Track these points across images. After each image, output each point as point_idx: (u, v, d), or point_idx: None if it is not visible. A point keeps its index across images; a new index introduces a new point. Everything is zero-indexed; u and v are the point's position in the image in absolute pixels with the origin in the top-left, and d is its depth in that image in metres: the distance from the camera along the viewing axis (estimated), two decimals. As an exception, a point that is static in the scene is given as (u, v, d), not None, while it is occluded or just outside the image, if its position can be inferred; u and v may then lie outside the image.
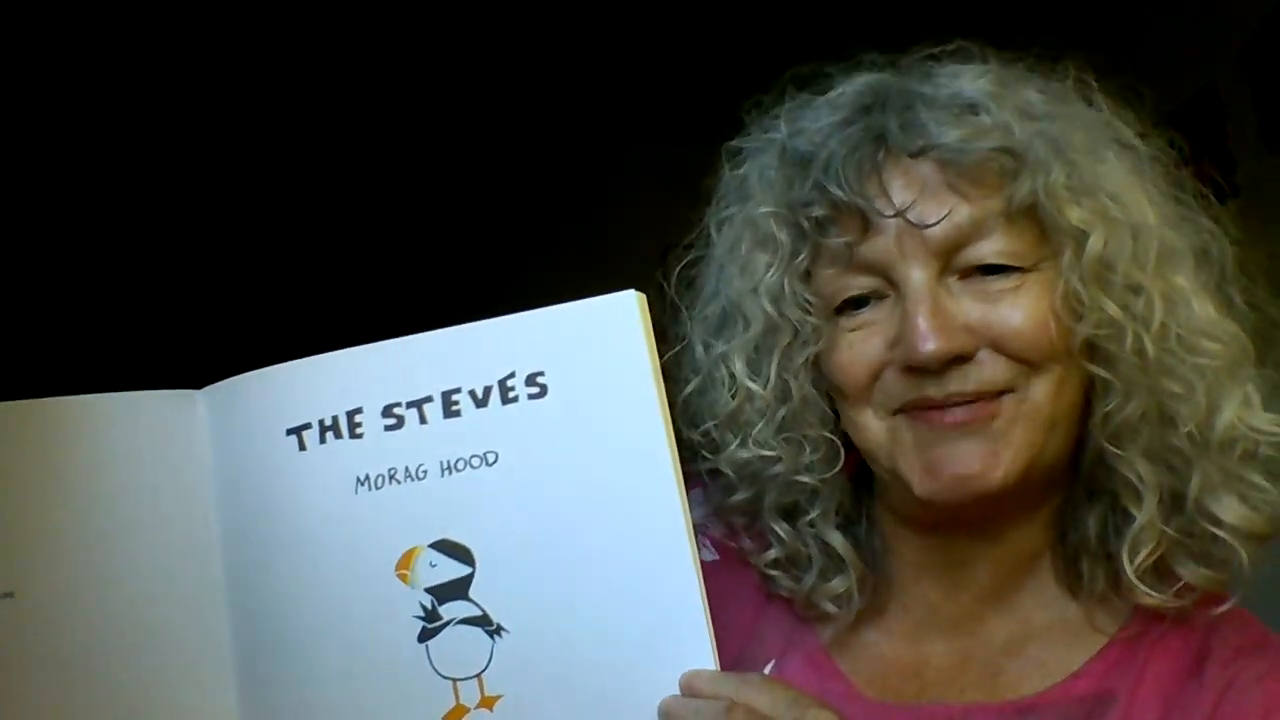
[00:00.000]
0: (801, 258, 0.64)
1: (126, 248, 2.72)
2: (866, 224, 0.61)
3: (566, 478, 0.57)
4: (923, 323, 0.58)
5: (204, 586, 0.57)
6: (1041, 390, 0.60)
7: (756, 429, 0.64)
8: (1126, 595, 0.62)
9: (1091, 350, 0.60)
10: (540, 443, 0.57)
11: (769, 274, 0.64)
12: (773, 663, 0.67)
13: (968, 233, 0.59)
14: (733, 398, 0.65)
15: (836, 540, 0.66)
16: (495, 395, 0.57)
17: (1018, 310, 0.59)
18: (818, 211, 0.62)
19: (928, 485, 0.60)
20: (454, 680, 0.56)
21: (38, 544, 0.56)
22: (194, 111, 2.65)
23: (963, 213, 0.59)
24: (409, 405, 0.57)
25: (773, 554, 0.67)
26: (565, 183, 3.27)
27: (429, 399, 0.57)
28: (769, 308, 0.64)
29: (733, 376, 0.65)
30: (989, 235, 0.59)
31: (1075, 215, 0.58)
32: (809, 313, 0.63)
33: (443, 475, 0.56)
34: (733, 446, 0.65)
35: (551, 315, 0.58)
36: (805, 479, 0.65)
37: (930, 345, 0.58)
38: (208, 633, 0.57)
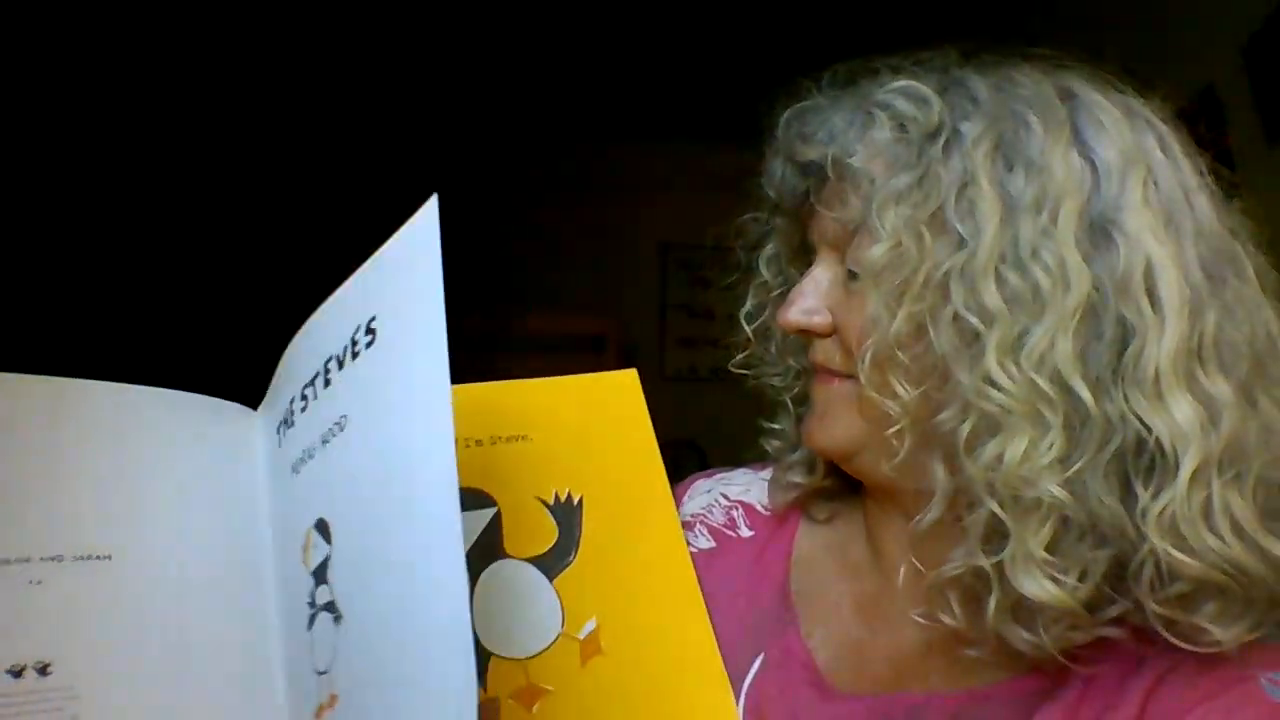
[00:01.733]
0: (793, 236, 0.74)
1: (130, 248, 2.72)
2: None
3: (401, 434, 0.49)
4: (793, 294, 0.68)
5: (252, 588, 0.57)
6: (872, 392, 0.62)
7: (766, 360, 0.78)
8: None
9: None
10: (372, 395, 0.51)
11: (774, 243, 0.76)
12: (761, 657, 0.70)
13: (842, 237, 0.66)
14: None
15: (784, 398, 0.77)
16: (348, 353, 0.53)
17: (858, 309, 0.64)
18: (788, 203, 0.72)
19: (805, 435, 0.70)
20: (319, 673, 0.52)
21: (132, 510, 0.56)
22: (195, 112, 2.65)
23: (832, 220, 0.66)
24: (307, 385, 0.56)
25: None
26: (565, 181, 3.27)
27: (317, 375, 0.55)
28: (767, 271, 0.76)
29: (749, 317, 0.78)
30: (858, 242, 0.64)
31: (866, 247, 0.62)
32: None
33: (323, 446, 0.53)
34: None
35: (384, 259, 0.53)
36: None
37: (786, 314, 0.67)
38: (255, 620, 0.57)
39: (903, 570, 0.66)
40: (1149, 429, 0.56)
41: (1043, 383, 0.56)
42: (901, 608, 0.68)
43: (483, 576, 0.65)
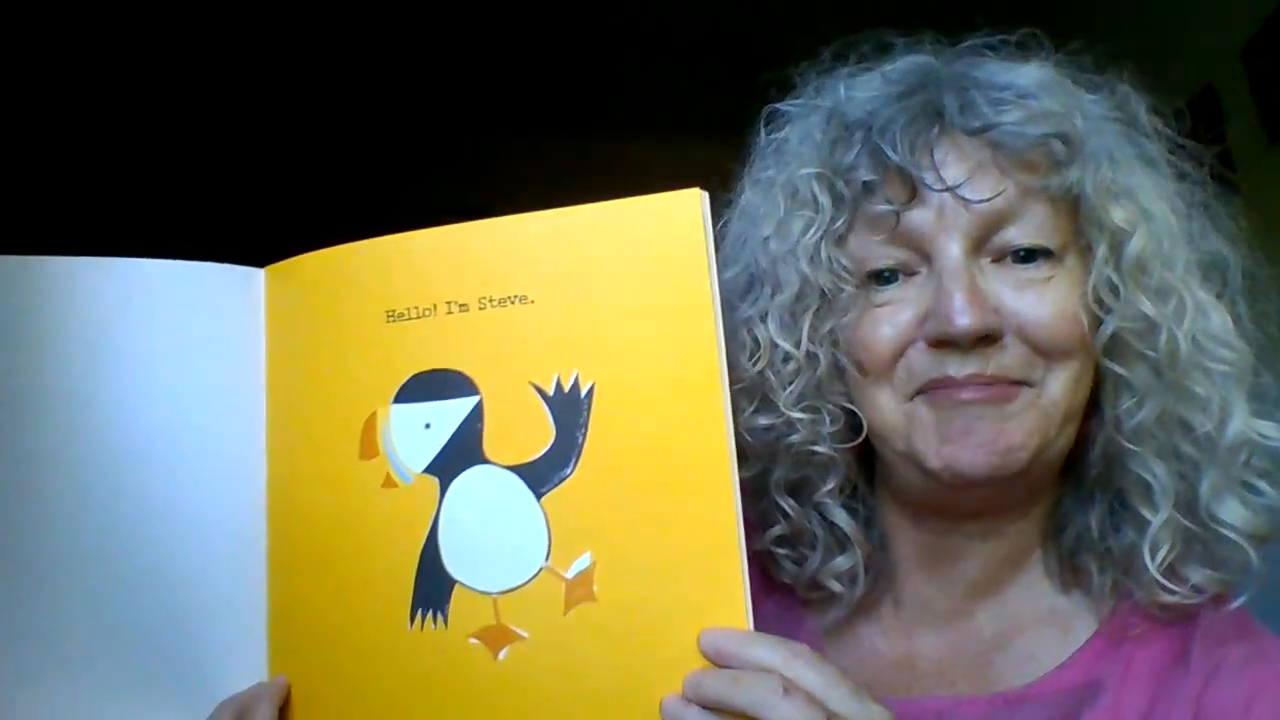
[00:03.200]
0: (840, 223, 0.62)
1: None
2: (912, 194, 0.60)
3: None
4: (959, 297, 0.58)
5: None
6: (1057, 384, 0.60)
7: (782, 395, 0.62)
8: (1126, 591, 0.63)
9: (1111, 349, 0.60)
10: None
11: (806, 236, 0.62)
12: None
13: (1008, 214, 0.59)
14: (755, 363, 0.63)
15: (842, 518, 0.65)
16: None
17: (1046, 301, 0.59)
18: (865, 176, 0.61)
19: (945, 457, 0.59)
20: None
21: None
22: (188, 106, 2.65)
23: (1009, 194, 0.59)
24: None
25: (777, 531, 0.66)
26: (564, 181, 3.27)
27: None
28: (805, 270, 0.62)
29: (757, 341, 0.63)
30: (1026, 218, 0.60)
31: (1118, 213, 0.59)
32: (842, 280, 0.62)
33: None
34: (748, 413, 0.63)
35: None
36: (821, 449, 0.63)
37: (965, 320, 0.57)
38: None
39: (969, 568, 0.66)
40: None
41: (1244, 348, 0.60)
42: (917, 613, 0.67)
43: (454, 485, 0.52)
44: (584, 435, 0.51)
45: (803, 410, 0.62)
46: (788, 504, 0.65)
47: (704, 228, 0.50)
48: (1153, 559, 0.59)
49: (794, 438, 0.63)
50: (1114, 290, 0.59)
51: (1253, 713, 0.57)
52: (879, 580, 0.69)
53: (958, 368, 0.59)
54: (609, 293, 0.51)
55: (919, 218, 0.60)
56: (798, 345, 0.62)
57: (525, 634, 0.50)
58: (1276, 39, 1.86)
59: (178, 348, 0.55)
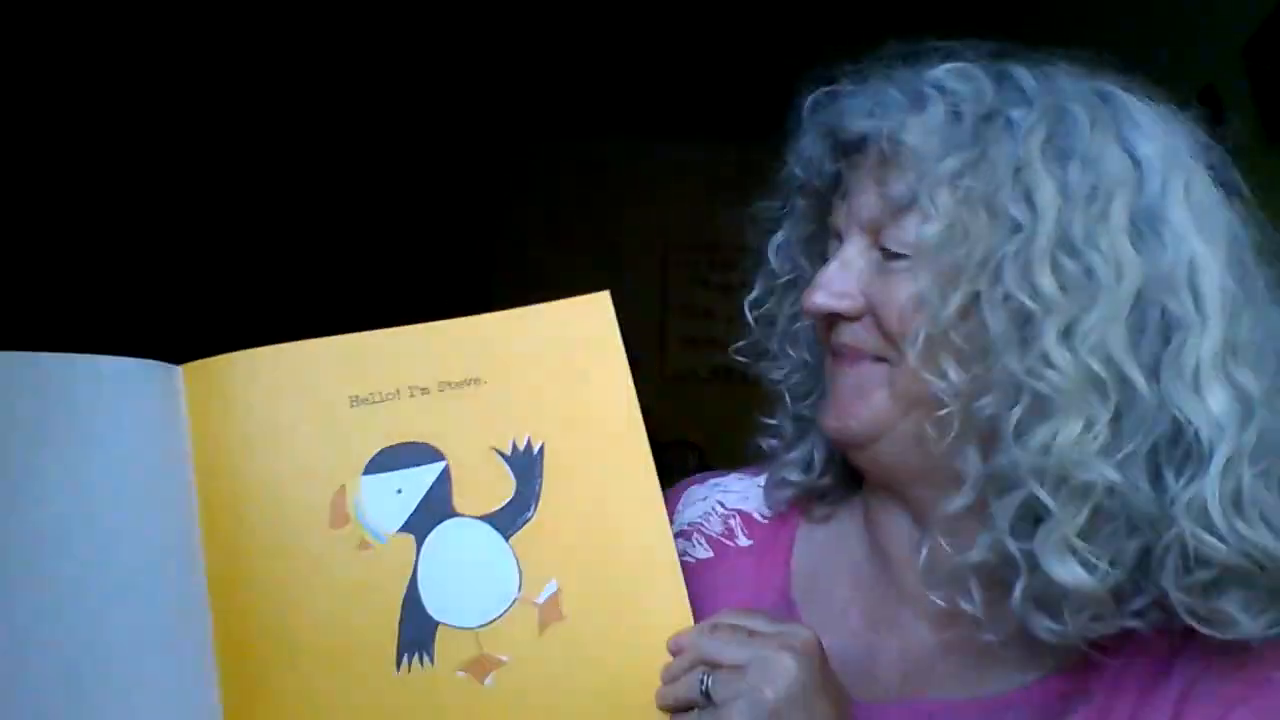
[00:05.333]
0: (809, 222, 0.72)
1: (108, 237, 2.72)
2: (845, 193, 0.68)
3: None
4: (820, 279, 0.65)
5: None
6: (908, 370, 0.62)
7: (774, 345, 0.75)
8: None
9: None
10: None
11: (787, 229, 0.74)
12: None
13: (881, 217, 0.64)
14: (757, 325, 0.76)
15: (790, 404, 0.75)
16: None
17: (899, 289, 0.62)
18: (816, 184, 0.70)
19: (825, 420, 0.67)
20: None
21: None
22: (188, 109, 2.65)
23: (873, 199, 0.64)
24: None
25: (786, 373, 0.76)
26: (565, 181, 3.27)
27: None
28: (796, 259, 0.73)
29: (753, 304, 0.76)
30: (901, 222, 0.63)
31: (929, 227, 0.61)
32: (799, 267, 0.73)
33: None
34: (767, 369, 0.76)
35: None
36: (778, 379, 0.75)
37: (814, 298, 0.65)
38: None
39: (918, 563, 0.65)
40: (1188, 420, 0.57)
41: (1097, 367, 0.57)
42: (910, 610, 0.68)
43: (429, 538, 0.60)
44: (540, 483, 0.61)
45: (793, 350, 0.74)
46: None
47: (612, 321, 0.63)
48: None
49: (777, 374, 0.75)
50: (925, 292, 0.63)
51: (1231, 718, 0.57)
52: (875, 577, 0.70)
53: (834, 337, 0.67)
54: (548, 375, 0.62)
55: (838, 216, 0.68)
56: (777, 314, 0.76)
57: (507, 658, 0.58)
58: (1276, 39, 1.86)
59: (96, 440, 0.57)
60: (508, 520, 0.60)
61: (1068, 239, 0.58)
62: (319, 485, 0.60)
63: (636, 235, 3.79)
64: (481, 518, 0.60)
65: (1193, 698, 0.59)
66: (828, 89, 0.68)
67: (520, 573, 0.59)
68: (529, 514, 0.60)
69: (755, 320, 0.76)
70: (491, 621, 0.59)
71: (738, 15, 2.56)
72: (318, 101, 2.81)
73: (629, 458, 0.62)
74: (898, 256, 0.63)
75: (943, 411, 0.60)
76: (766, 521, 0.78)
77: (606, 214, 3.64)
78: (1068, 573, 0.56)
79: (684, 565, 0.62)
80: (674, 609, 0.60)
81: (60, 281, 2.48)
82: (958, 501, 0.60)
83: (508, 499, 0.60)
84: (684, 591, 0.61)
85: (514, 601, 0.59)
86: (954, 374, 0.59)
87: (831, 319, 0.66)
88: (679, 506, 0.80)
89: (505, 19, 2.59)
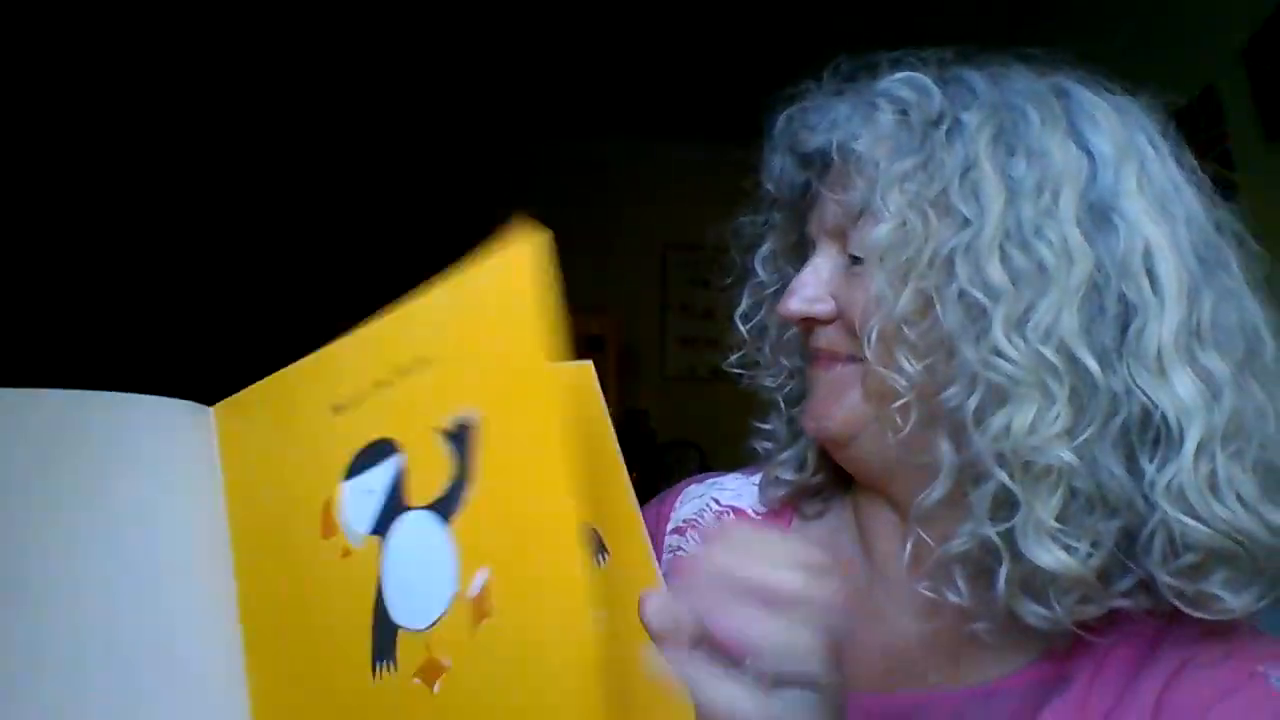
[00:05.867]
0: (790, 233, 0.75)
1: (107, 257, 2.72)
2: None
3: None
4: (794, 285, 0.68)
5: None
6: (874, 368, 0.63)
7: (765, 352, 0.77)
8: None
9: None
10: None
11: (771, 241, 0.77)
12: None
13: (843, 224, 0.66)
14: (746, 325, 0.78)
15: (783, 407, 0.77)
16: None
17: (860, 290, 0.65)
18: (789, 196, 0.73)
19: (805, 422, 0.70)
20: None
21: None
22: (190, 110, 2.65)
23: (834, 207, 0.67)
24: None
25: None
26: (564, 181, 3.27)
27: None
28: (775, 266, 0.77)
29: (744, 317, 0.78)
30: (860, 227, 0.65)
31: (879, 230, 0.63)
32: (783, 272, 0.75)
33: None
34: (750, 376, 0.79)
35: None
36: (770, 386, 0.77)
37: (788, 303, 0.68)
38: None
39: (903, 557, 0.65)
40: (1154, 404, 0.57)
41: (1049, 354, 0.57)
42: (896, 603, 0.68)
43: (389, 538, 0.55)
44: (473, 460, 0.54)
45: (785, 358, 0.76)
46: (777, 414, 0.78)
47: (533, 276, 0.53)
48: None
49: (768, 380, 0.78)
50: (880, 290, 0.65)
51: (1212, 714, 0.56)
52: (862, 572, 0.71)
53: (812, 341, 0.69)
54: (484, 341, 0.56)
55: (812, 224, 0.70)
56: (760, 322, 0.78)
57: (448, 662, 0.52)
58: (1276, 39, 1.86)
59: (139, 478, 0.57)
60: (450, 504, 0.54)
61: (1016, 231, 0.59)
62: (314, 498, 0.59)
63: (636, 235, 3.79)
64: (427, 506, 0.55)
65: (1177, 684, 0.59)
66: (789, 108, 0.71)
67: (457, 564, 0.53)
68: (467, 493, 0.53)
69: (747, 332, 0.78)
70: (435, 622, 0.53)
71: (737, 15, 2.56)
72: (317, 102, 2.80)
73: (550, 420, 0.52)
74: (858, 260, 0.65)
75: (898, 403, 0.61)
76: (760, 518, 0.79)
77: (606, 214, 3.64)
78: (1050, 557, 0.56)
79: (677, 560, 0.61)
80: (638, 574, 0.56)
81: (62, 293, 2.48)
82: (935, 493, 0.61)
83: (450, 481, 0.54)
84: (646, 548, 0.57)
85: (451, 597, 0.52)
86: (909, 366, 0.61)
87: (808, 323, 0.69)
88: (677, 504, 0.81)
89: (506, 19, 2.59)
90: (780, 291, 0.73)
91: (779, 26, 2.43)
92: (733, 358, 0.78)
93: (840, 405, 0.66)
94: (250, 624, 0.59)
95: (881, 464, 0.67)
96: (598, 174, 3.60)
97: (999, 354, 0.58)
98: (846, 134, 0.65)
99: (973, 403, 0.58)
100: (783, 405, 0.77)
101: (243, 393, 0.62)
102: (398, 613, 0.55)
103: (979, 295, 0.59)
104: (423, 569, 0.54)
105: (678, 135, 3.27)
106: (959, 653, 0.65)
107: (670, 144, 3.42)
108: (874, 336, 0.62)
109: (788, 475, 0.76)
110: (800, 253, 0.73)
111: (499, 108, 3.00)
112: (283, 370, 0.61)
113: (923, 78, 0.65)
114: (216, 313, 2.74)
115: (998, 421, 0.57)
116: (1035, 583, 0.58)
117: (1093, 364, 0.57)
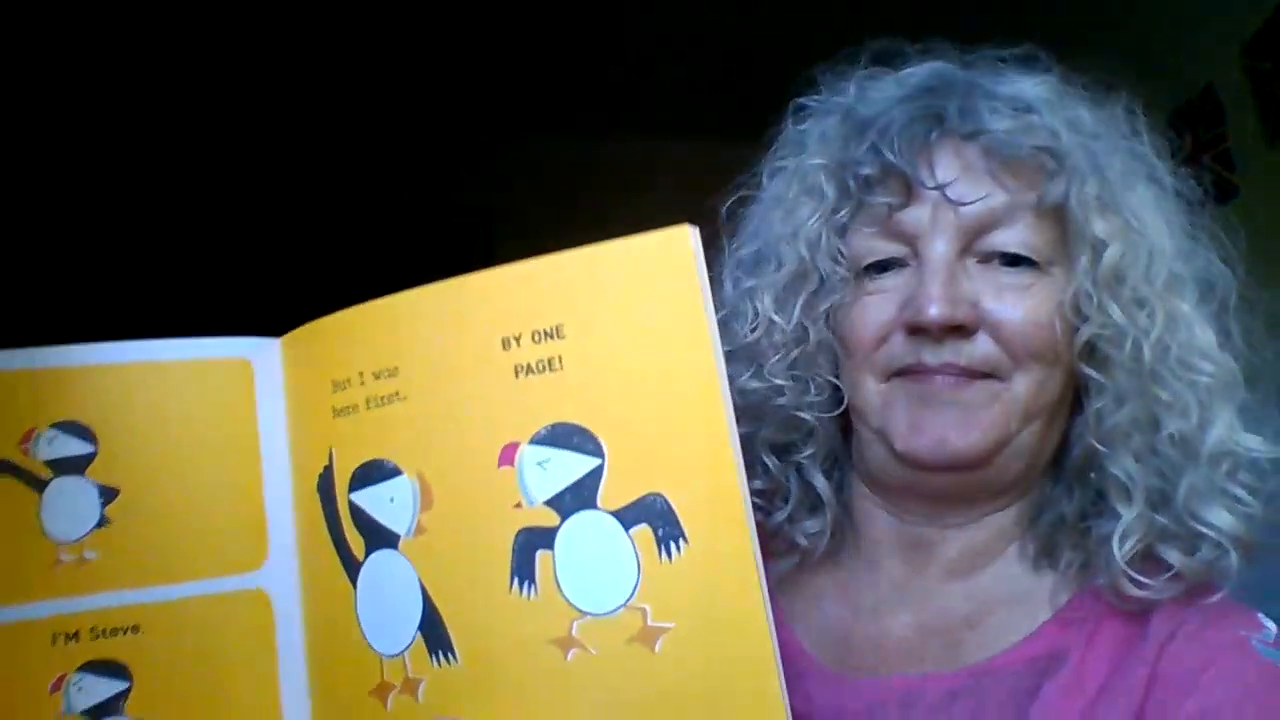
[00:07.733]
0: (842, 213, 0.68)
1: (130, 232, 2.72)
2: (909, 192, 0.65)
3: None
4: (934, 289, 0.62)
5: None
6: (1023, 384, 0.63)
7: (771, 361, 0.68)
8: (1096, 574, 0.64)
9: (1090, 354, 0.64)
10: None
11: (809, 222, 0.68)
12: None
13: (996, 218, 0.63)
14: (753, 330, 0.69)
15: (820, 483, 0.71)
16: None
17: (1020, 307, 0.63)
18: (866, 171, 0.66)
19: (910, 442, 0.64)
20: None
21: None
22: (187, 108, 2.65)
23: (997, 199, 0.63)
24: None
25: (756, 484, 0.70)
26: (564, 181, 3.27)
27: None
28: (804, 253, 0.67)
29: (756, 311, 0.69)
30: (1014, 225, 0.63)
31: (1099, 226, 0.63)
32: (838, 265, 0.67)
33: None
34: (744, 377, 0.69)
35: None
36: (805, 416, 0.69)
37: (935, 309, 0.62)
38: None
39: (903, 556, 0.68)
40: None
41: (1226, 361, 0.63)
42: (890, 599, 0.69)
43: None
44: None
45: (790, 378, 0.68)
46: (770, 461, 0.71)
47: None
48: (1120, 549, 0.61)
49: (780, 401, 0.68)
50: (1091, 299, 0.63)
51: (1202, 679, 0.57)
52: (852, 563, 0.72)
53: (931, 355, 0.63)
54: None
55: (913, 215, 0.65)
56: (789, 320, 0.68)
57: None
58: (1276, 39, 1.86)
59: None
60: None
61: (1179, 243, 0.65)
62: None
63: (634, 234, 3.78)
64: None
65: (1168, 654, 0.60)
66: (951, 71, 0.69)
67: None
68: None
69: (774, 337, 0.68)
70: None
71: (737, 15, 2.56)
72: (314, 99, 2.80)
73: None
74: (1014, 265, 0.64)
75: (1101, 406, 0.63)
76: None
77: (605, 214, 3.63)
78: (1217, 518, 0.60)
79: None
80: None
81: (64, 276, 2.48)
82: (1135, 506, 0.62)
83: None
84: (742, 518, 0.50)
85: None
86: (1168, 393, 0.62)
87: (940, 333, 0.62)
88: None
89: (503, 16, 2.59)
90: (826, 280, 0.67)
91: (779, 26, 2.42)
92: (748, 377, 0.68)
93: (981, 425, 0.62)
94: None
95: (999, 483, 0.66)
96: (597, 173, 3.60)
97: (1208, 358, 0.62)
98: (1047, 128, 0.63)
99: (1194, 419, 0.61)
100: (819, 431, 0.70)
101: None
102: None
103: (1185, 309, 0.63)
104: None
105: (678, 135, 3.27)
106: (956, 638, 0.66)
107: (670, 144, 3.41)
108: (1147, 356, 0.62)
109: (805, 542, 0.71)
110: (840, 237, 0.67)
111: (496, 106, 3.00)
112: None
113: (1067, 89, 0.66)
114: (204, 309, 2.73)
115: (1218, 426, 0.61)
116: (1189, 542, 0.61)
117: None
